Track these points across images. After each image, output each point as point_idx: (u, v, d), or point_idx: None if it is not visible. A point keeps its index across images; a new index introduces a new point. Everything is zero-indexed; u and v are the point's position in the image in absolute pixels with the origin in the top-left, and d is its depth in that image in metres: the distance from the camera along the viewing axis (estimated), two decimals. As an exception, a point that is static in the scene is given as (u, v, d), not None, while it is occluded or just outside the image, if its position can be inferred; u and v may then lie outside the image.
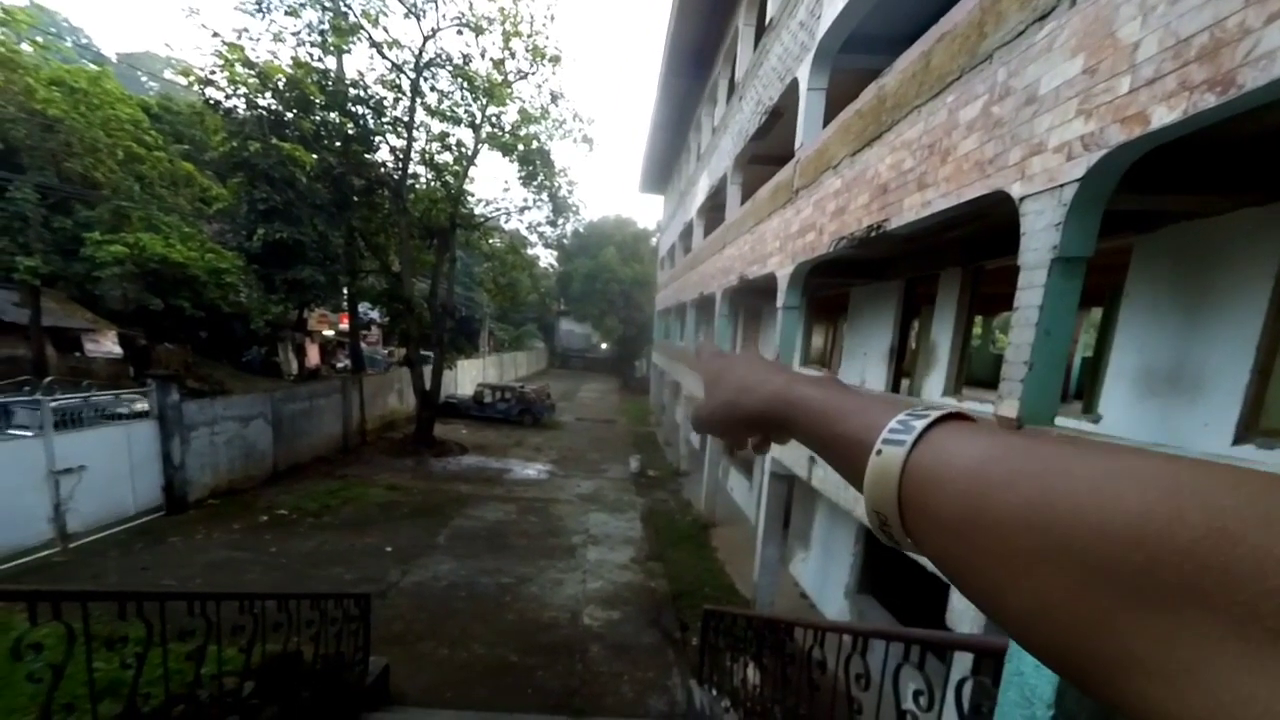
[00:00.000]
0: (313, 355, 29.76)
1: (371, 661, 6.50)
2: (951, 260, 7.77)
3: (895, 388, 9.39)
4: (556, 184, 20.63)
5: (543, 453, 21.13)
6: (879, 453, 0.39)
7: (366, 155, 17.30)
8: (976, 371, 7.24)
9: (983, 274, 7.65)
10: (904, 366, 9.54)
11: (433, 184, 19.26)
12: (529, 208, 21.32)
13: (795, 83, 8.71)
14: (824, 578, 10.74)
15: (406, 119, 17.25)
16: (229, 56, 14.49)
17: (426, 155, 18.78)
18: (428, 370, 19.65)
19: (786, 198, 8.87)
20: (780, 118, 10.19)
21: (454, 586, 10.17)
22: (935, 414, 0.41)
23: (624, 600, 10.19)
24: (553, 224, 22.17)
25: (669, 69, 17.83)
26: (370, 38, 16.30)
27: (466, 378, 30.21)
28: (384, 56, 16.71)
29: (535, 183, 20.26)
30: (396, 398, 22.31)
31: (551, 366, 55.02)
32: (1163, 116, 2.95)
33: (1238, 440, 4.21)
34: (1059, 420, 3.92)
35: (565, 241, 26.08)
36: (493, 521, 13.59)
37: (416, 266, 19.93)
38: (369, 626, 6.54)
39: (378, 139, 17.39)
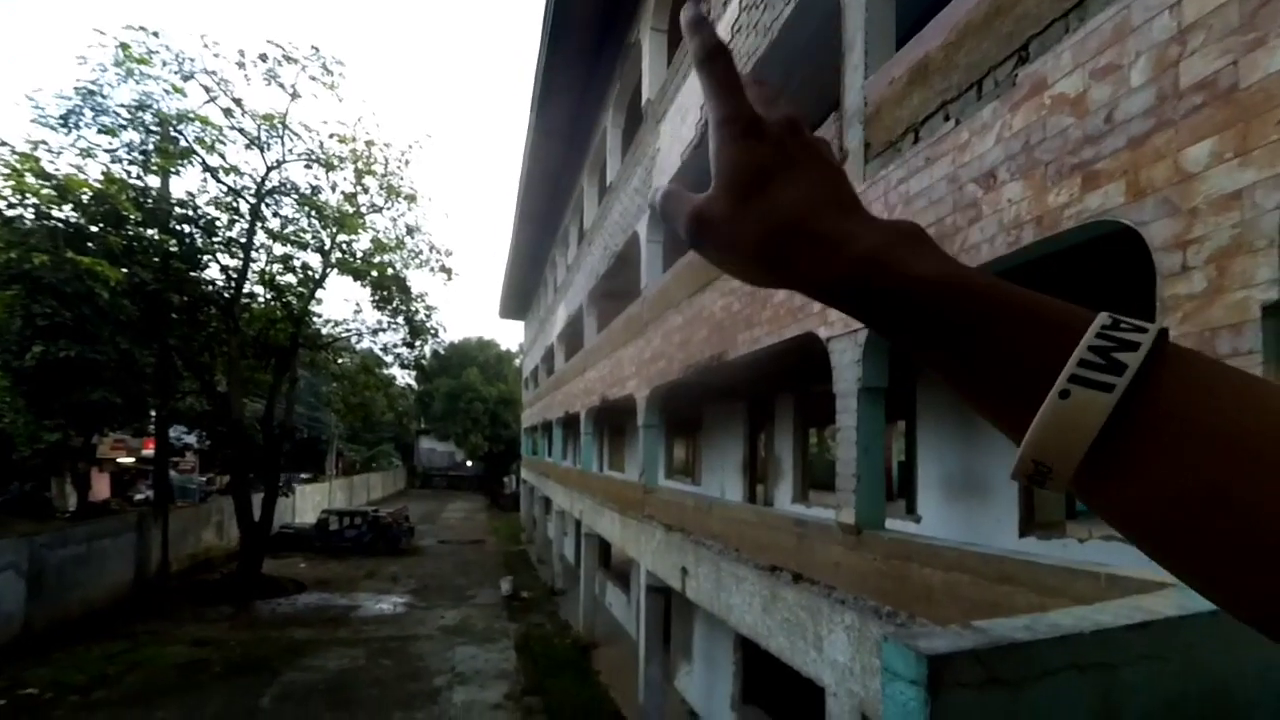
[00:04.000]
0: (101, 487, 25.24)
1: None
2: (786, 386, 8.70)
3: (751, 497, 9.98)
4: (413, 308, 20.25)
5: (399, 583, 18.84)
6: (1065, 395, 0.26)
7: (191, 273, 15.86)
8: (821, 476, 7.97)
9: (812, 396, 8.60)
10: (757, 476, 10.21)
11: (273, 303, 17.98)
12: (383, 329, 20.47)
13: (636, 234, 9.64)
14: (709, 690, 10.44)
15: (244, 240, 16.27)
16: (18, 166, 13.02)
17: (267, 276, 17.58)
18: (259, 499, 17.38)
19: (638, 329, 9.53)
20: (627, 261, 11.11)
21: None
22: (1145, 339, 0.26)
23: (498, 752, 8.89)
24: (410, 345, 21.52)
25: (522, 215, 18.89)
26: (205, 163, 15.52)
27: (309, 504, 27.12)
28: (219, 181, 15.92)
29: (390, 307, 19.79)
30: (215, 532, 19.36)
31: (412, 487, 51.30)
32: None
33: (1022, 534, 5.04)
34: (889, 522, 4.48)
35: (424, 362, 25.22)
36: (336, 671, 11.42)
37: (250, 386, 18.15)
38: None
39: (206, 258, 16.11)
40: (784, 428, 8.81)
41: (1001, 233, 3.14)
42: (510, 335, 70.30)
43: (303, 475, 33.48)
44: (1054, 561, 2.97)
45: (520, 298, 28.37)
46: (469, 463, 50.15)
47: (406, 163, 19.44)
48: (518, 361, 43.98)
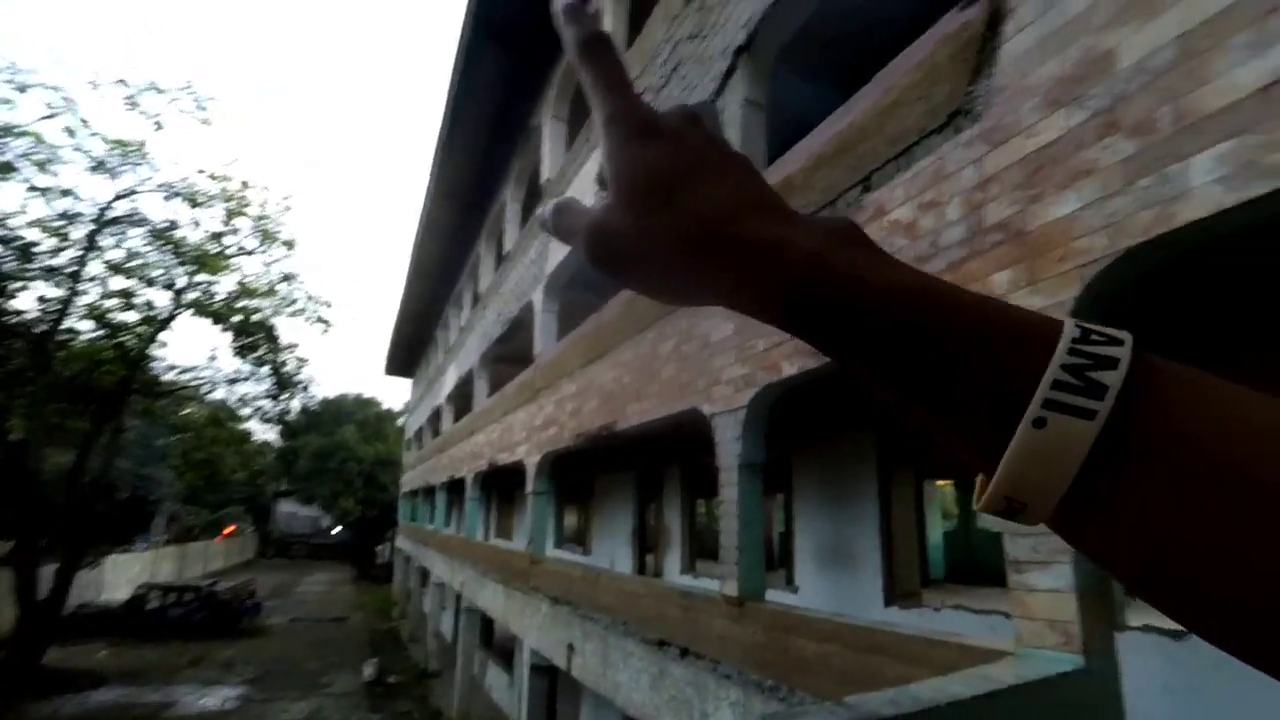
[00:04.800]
0: None
1: None
2: (675, 457, 8.93)
3: (641, 568, 9.96)
4: (281, 359, 18.80)
5: (235, 670, 15.92)
6: (1040, 423, 0.22)
7: (-6, 301, 13.56)
8: (709, 545, 8.18)
9: (699, 467, 8.87)
10: (648, 545, 10.24)
11: (102, 342, 15.71)
12: (242, 379, 18.57)
13: (532, 303, 9.71)
14: (596, 775, 10.04)
15: (73, 269, 14.28)
16: None
17: (96, 310, 15.44)
18: (49, 571, 14.39)
19: (530, 395, 9.47)
20: (521, 328, 11.10)
21: None
22: (1123, 354, 0.23)
23: None
24: (274, 398, 19.77)
25: (414, 273, 18.40)
26: (32, 184, 13.61)
27: (124, 577, 23.02)
28: (49, 204, 13.91)
29: (255, 355, 18.21)
30: (-17, 615, 15.31)
31: (264, 555, 45.31)
32: (788, 369, 4.08)
33: (886, 604, 5.44)
34: (769, 593, 4.66)
35: (289, 418, 23.09)
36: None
37: (59, 435, 15.48)
38: None
39: (17, 285, 13.88)
40: (673, 498, 8.99)
41: (857, 331, 3.56)
42: (395, 393, 66.62)
43: (141, 541, 28.88)
44: (915, 631, 3.25)
45: (409, 355, 27.21)
46: (336, 529, 45.79)
47: (288, 208, 18.50)
48: (401, 421, 41.59)
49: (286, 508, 48.16)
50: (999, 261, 2.77)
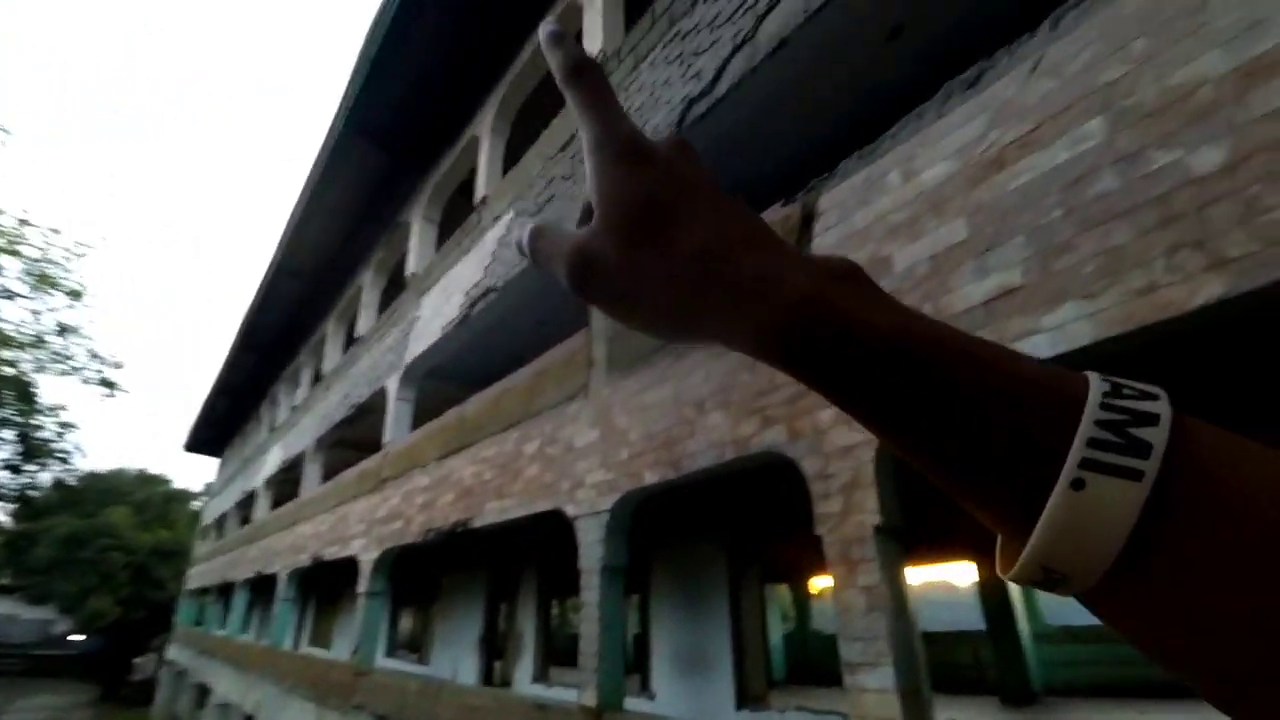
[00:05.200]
0: None
1: None
2: (532, 557, 8.73)
3: (488, 677, 9.33)
4: (36, 422, 15.62)
5: None
6: (1079, 484, 0.20)
7: None
8: (564, 649, 7.96)
9: (557, 568, 8.63)
10: (496, 652, 9.64)
11: None
12: None
13: (385, 390, 9.28)
14: None
15: None
16: None
17: None
18: None
19: (375, 484, 8.83)
20: (370, 413, 10.45)
21: None
22: (1162, 409, 0.21)
23: None
24: (14, 470, 16.18)
25: (243, 344, 16.60)
26: None
27: None
28: None
29: (-4, 415, 14.99)
30: None
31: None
32: (650, 477, 4.40)
33: (738, 707, 5.68)
34: (628, 702, 4.64)
35: (33, 493, 18.84)
36: None
37: None
38: None
39: None
40: (528, 600, 8.68)
41: (711, 448, 4.01)
42: (195, 472, 56.78)
43: None
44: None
45: (220, 431, 23.69)
46: (80, 636, 36.36)
47: (79, 255, 15.96)
48: (199, 504, 35.37)
49: (2, 608, 37.46)
50: (824, 401, 3.40)
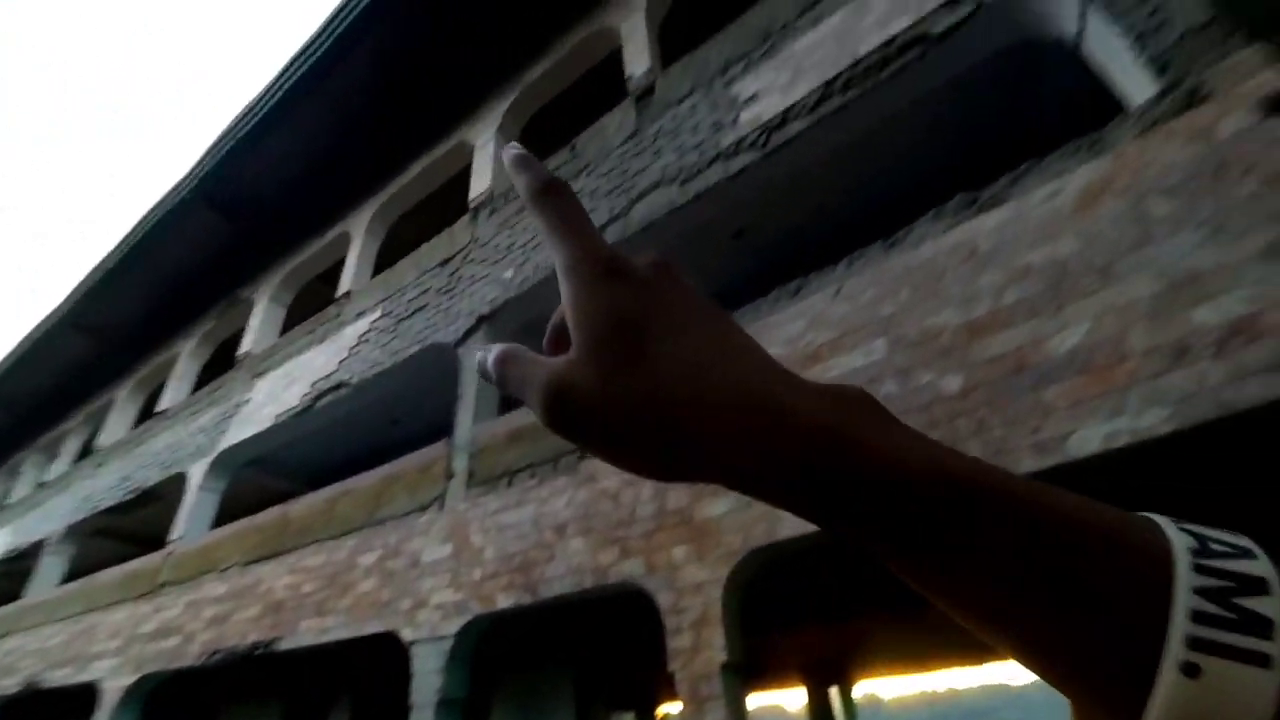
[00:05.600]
0: None
1: None
2: (343, 688, 7.72)
3: None
4: None
5: None
6: (1192, 670, 0.16)
7: None
8: None
9: (376, 702, 7.71)
10: None
11: None
12: None
13: (186, 476, 8.03)
14: None
15: None
16: None
17: None
18: None
19: (148, 589, 7.36)
20: (154, 500, 8.85)
21: None
22: (1262, 570, 0.17)
23: None
24: None
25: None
26: None
27: None
28: None
29: None
30: None
31: None
32: (503, 601, 4.35)
33: None
34: None
35: None
36: None
37: None
38: None
39: None
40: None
41: (570, 574, 4.14)
42: None
43: None
44: None
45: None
46: None
47: None
48: None
49: None
50: (678, 538, 3.78)
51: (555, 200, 0.28)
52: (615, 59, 6.11)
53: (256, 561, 6.33)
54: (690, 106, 4.99)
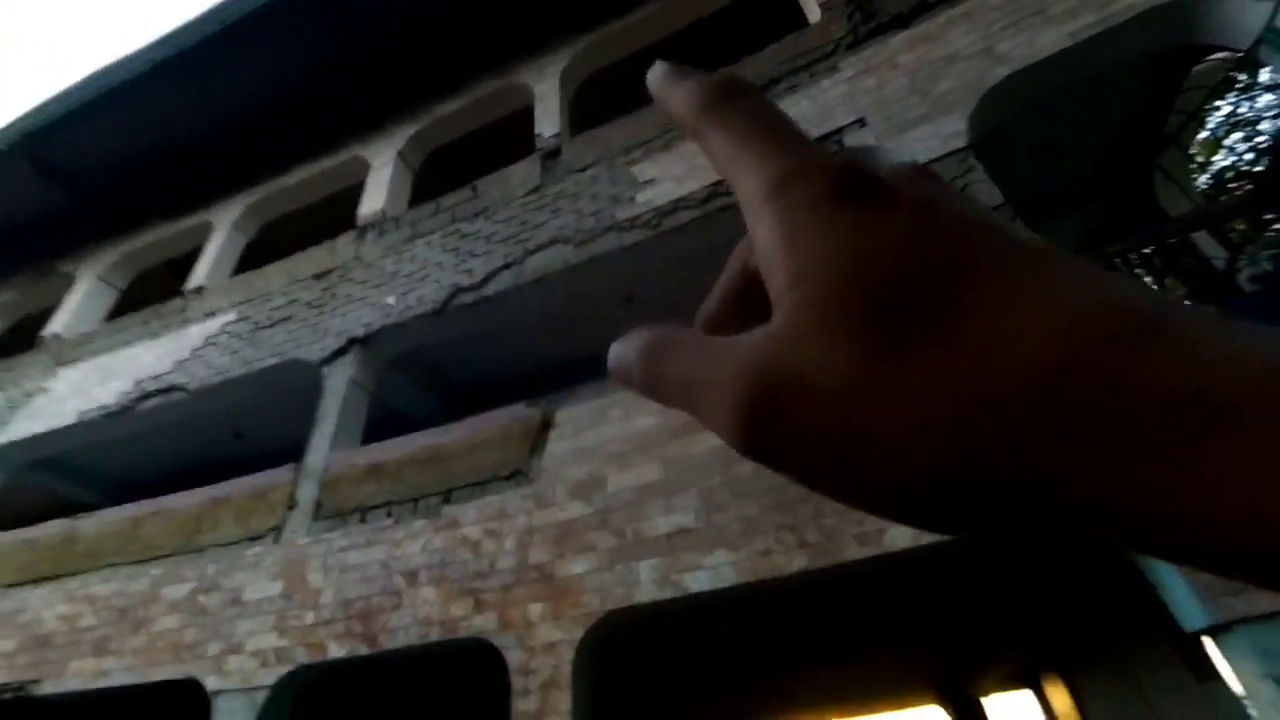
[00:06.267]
0: None
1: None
2: None
3: None
4: None
5: None
6: None
7: None
8: None
9: None
10: None
11: None
12: None
13: (-66, 475, 6.45)
14: None
15: None
16: None
17: None
18: None
19: None
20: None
21: None
22: None
23: None
24: None
25: None
26: None
27: None
28: None
29: None
30: None
31: None
32: (336, 650, 3.93)
33: None
34: None
35: None
36: None
37: None
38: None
39: None
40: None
41: (416, 625, 3.86)
42: None
43: None
44: None
45: None
46: None
47: None
48: None
49: None
50: (536, 595, 3.69)
51: (745, 102, 0.18)
52: (527, 115, 6.17)
53: (23, 584, 5.23)
54: (592, 176, 5.16)
